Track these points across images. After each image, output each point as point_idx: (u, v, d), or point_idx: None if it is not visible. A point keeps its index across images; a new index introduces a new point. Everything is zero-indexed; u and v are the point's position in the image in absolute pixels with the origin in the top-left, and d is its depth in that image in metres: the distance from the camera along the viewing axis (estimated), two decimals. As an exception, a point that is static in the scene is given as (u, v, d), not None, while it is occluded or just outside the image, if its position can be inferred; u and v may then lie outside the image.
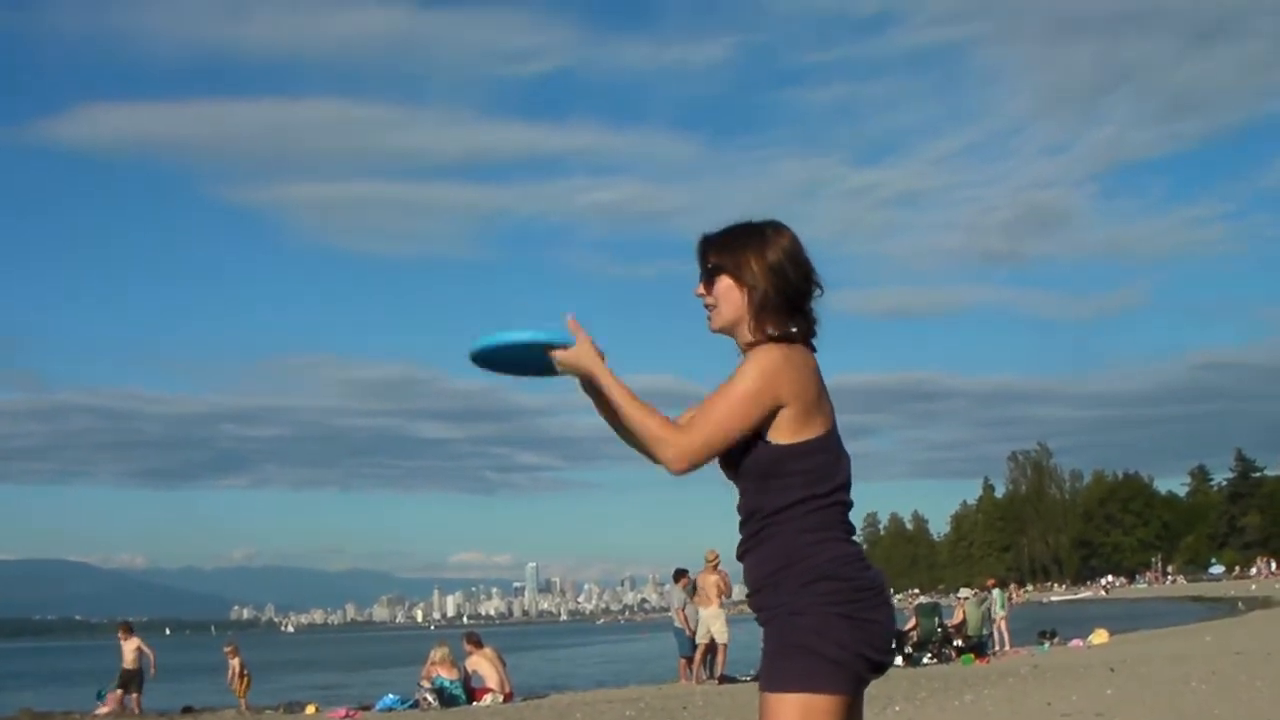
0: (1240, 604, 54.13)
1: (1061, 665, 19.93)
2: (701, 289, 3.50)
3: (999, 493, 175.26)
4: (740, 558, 3.47)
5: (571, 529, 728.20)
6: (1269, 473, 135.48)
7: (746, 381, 3.32)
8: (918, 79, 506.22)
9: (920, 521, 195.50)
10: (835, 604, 3.29)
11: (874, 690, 14.59)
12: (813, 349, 3.47)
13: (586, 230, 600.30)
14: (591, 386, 3.52)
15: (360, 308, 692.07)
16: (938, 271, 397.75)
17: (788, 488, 3.35)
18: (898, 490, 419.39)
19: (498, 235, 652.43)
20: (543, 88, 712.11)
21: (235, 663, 24.97)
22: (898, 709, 13.10)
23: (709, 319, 3.52)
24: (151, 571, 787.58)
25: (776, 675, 3.30)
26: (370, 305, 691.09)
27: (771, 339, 3.40)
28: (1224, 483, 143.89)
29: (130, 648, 23.31)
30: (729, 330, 3.50)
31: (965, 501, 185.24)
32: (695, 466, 3.34)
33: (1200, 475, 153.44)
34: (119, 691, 23.10)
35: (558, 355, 3.46)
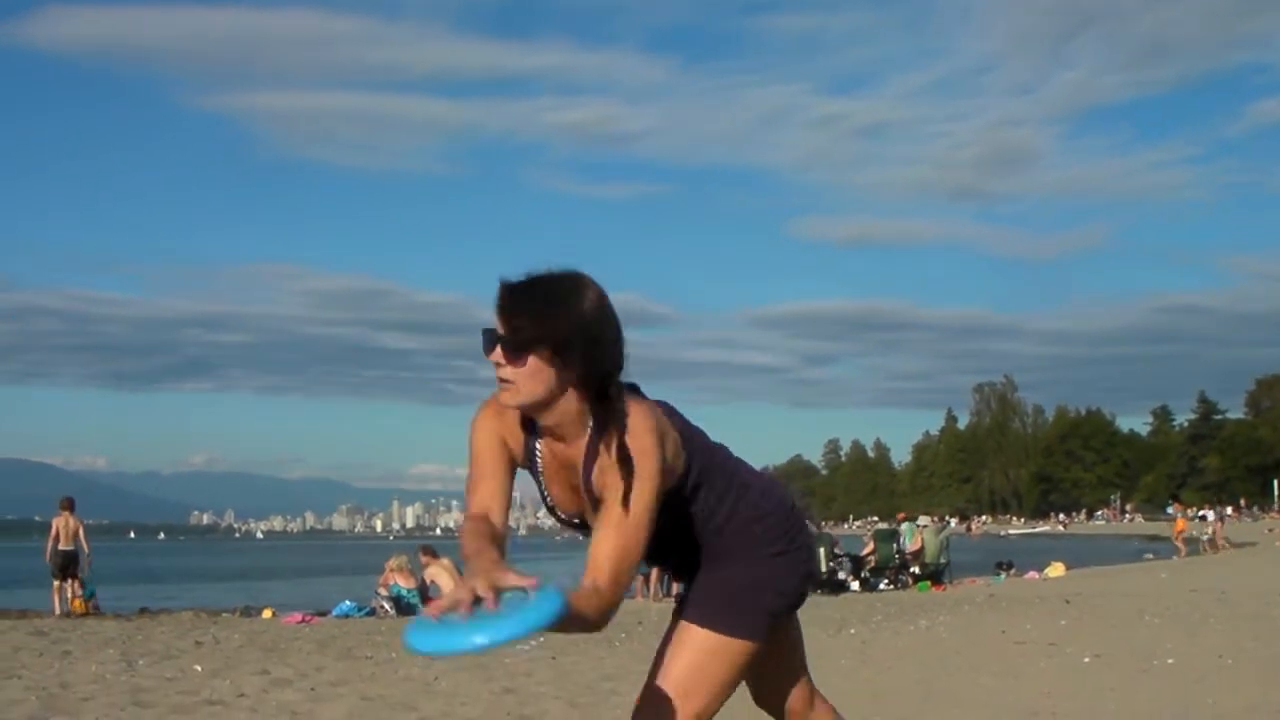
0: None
1: (1017, 595, 20.04)
2: (500, 357, 2.89)
3: (961, 424, 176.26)
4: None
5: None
6: (1230, 416, 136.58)
7: (646, 497, 2.89)
8: (888, 12, 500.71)
9: (882, 450, 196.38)
10: (771, 542, 3.24)
11: (829, 613, 14.55)
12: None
13: (554, 149, 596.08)
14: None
15: (327, 219, 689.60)
16: (903, 204, 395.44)
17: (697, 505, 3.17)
18: (860, 418, 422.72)
19: (465, 151, 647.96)
20: (514, 6, 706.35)
21: None
22: (853, 632, 13.12)
23: (501, 391, 2.93)
24: (113, 475, 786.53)
25: (723, 618, 3.20)
26: (337, 217, 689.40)
27: (618, 399, 2.93)
28: (1185, 424, 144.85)
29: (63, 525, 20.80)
30: (530, 410, 2.96)
31: (928, 432, 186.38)
32: None
33: (1162, 415, 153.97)
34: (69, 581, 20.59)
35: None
